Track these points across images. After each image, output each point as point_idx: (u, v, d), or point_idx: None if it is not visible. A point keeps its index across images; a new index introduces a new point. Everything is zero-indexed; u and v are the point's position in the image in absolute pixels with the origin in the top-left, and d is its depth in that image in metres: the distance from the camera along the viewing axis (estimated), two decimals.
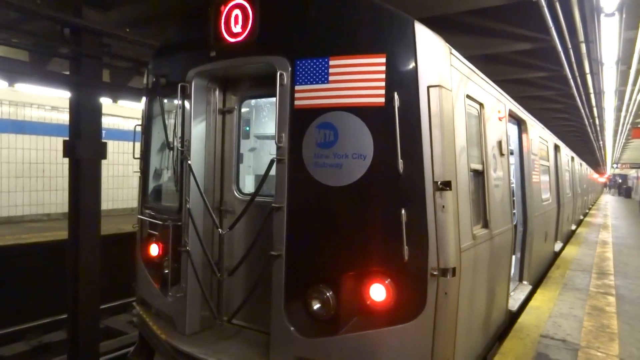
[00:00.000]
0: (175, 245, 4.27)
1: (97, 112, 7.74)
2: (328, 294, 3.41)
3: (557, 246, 10.11)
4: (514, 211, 5.95)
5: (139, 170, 5.12)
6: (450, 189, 3.16)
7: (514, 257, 5.77)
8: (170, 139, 4.59)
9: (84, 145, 7.41)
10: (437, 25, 3.60)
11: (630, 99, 11.69)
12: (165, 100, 4.72)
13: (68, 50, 7.57)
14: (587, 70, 8.97)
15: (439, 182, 3.13)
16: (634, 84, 9.94)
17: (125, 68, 9.60)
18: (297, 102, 3.58)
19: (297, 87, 3.58)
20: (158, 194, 5.08)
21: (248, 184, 5.01)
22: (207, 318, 4.32)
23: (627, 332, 5.41)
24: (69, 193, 7.68)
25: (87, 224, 7.60)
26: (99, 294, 7.97)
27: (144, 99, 5.08)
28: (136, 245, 5.01)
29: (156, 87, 4.80)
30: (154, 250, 4.73)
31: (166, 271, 4.42)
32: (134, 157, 5.07)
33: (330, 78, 3.43)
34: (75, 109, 7.50)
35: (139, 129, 5.11)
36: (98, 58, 7.61)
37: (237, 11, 3.95)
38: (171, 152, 4.60)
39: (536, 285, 7.35)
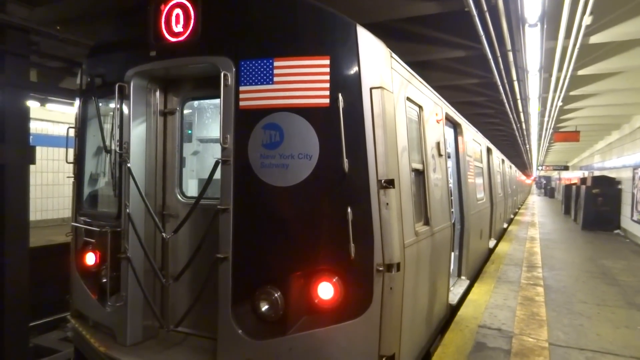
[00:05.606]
0: (114, 253, 4.08)
1: (24, 114, 7.23)
2: (276, 295, 3.41)
3: (492, 243, 10.71)
4: (452, 210, 6.25)
5: (72, 175, 4.85)
6: (394, 187, 3.27)
7: (452, 253, 6.05)
8: (108, 142, 4.39)
9: (9, 149, 6.88)
10: (377, 31, 3.71)
11: (551, 105, 12.59)
12: (102, 102, 4.50)
13: None
14: (515, 77, 9.56)
15: (382, 181, 3.22)
16: (555, 90, 10.71)
17: (57, 68, 9.04)
18: (242, 103, 3.56)
19: (241, 88, 3.56)
20: (94, 200, 4.83)
21: (191, 188, 4.89)
22: (149, 327, 4.16)
23: (554, 318, 5.85)
24: None
25: (14, 235, 7.06)
26: (28, 310, 7.42)
27: (77, 100, 4.82)
28: (70, 254, 4.73)
29: (91, 88, 4.57)
30: (91, 258, 4.50)
31: (104, 280, 4.21)
32: (67, 162, 4.79)
33: (275, 79, 3.45)
34: None
35: (72, 132, 4.84)
36: (25, 56, 7.12)
37: (178, 10, 3.87)
38: (109, 155, 4.40)
39: (473, 279, 7.75)
